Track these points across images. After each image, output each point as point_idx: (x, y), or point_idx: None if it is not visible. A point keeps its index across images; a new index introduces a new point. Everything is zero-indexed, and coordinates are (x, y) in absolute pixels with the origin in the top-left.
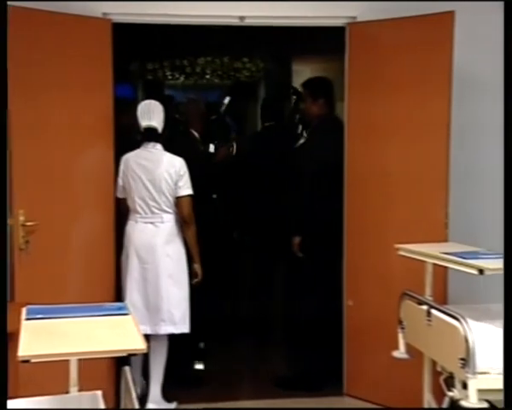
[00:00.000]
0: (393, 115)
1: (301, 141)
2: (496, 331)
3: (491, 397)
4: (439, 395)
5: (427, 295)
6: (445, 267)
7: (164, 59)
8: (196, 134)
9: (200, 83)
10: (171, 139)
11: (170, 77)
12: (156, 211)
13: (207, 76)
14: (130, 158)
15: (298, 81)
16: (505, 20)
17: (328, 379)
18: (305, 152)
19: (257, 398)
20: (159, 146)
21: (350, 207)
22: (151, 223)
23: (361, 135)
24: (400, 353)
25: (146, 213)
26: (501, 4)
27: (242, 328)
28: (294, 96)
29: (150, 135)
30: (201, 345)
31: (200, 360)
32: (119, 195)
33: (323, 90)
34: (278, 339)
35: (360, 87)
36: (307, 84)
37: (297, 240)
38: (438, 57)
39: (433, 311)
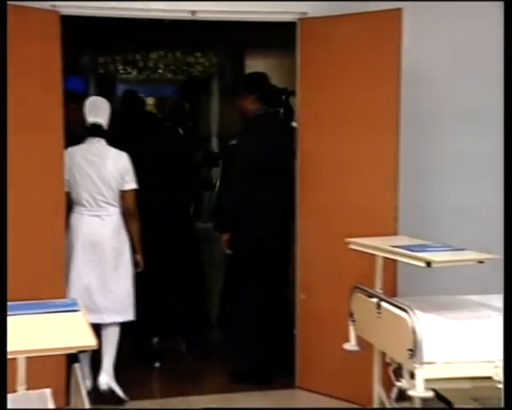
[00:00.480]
0: (345, 108)
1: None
2: (443, 322)
3: (437, 386)
4: (388, 385)
5: (378, 287)
6: (395, 260)
7: (116, 53)
8: (181, 131)
9: (153, 77)
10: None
11: (122, 71)
12: (103, 204)
13: (160, 71)
14: (76, 152)
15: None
16: (505, 20)
17: (280, 373)
18: (234, 148)
19: (208, 393)
20: (103, 142)
21: (303, 202)
22: (97, 216)
23: (313, 128)
24: (351, 345)
25: (92, 207)
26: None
27: (192, 322)
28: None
29: (96, 131)
30: (155, 341)
31: (151, 356)
32: (66, 188)
33: (255, 85)
34: (229, 333)
35: (311, 81)
36: (242, 80)
37: (225, 237)
38: (387, 52)
39: (383, 303)
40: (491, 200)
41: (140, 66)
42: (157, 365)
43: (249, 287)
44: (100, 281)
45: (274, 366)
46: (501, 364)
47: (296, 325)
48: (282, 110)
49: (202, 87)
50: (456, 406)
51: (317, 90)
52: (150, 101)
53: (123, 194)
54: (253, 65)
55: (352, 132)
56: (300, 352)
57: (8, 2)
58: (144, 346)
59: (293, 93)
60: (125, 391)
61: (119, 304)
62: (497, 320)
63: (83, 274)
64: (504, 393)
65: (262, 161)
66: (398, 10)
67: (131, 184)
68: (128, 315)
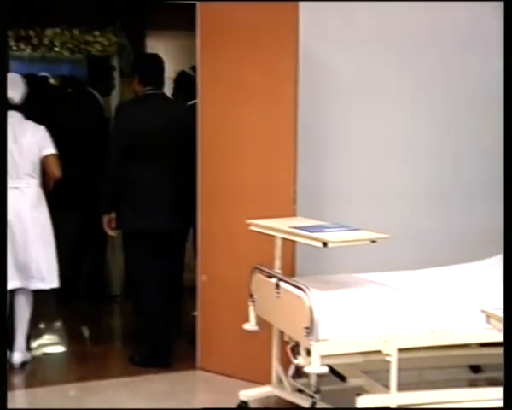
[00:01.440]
0: (244, 90)
1: None
2: (338, 300)
3: (331, 362)
4: (286, 363)
5: (277, 268)
6: (293, 241)
7: (7, 28)
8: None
9: (49, 55)
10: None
11: (15, 48)
12: (22, 176)
13: (56, 48)
14: None
15: None
16: (505, 20)
17: (181, 355)
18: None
19: (107, 377)
20: (19, 115)
21: (203, 182)
22: (16, 188)
23: (214, 110)
24: (251, 325)
25: (11, 179)
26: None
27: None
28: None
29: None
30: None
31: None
32: None
33: (142, 66)
34: (128, 317)
35: (212, 62)
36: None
37: (105, 219)
38: (284, 35)
39: (282, 283)
40: (389, 181)
41: (34, 43)
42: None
43: (140, 270)
44: (23, 251)
45: (173, 349)
46: (390, 337)
47: (197, 306)
48: (174, 90)
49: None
50: (349, 378)
51: (217, 70)
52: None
53: (45, 161)
54: (155, 46)
55: (252, 114)
56: (201, 333)
57: None
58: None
59: (187, 74)
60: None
61: (43, 272)
62: (388, 297)
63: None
64: (504, 393)
65: (144, 141)
66: (295, 4)
67: (50, 150)
68: (53, 283)
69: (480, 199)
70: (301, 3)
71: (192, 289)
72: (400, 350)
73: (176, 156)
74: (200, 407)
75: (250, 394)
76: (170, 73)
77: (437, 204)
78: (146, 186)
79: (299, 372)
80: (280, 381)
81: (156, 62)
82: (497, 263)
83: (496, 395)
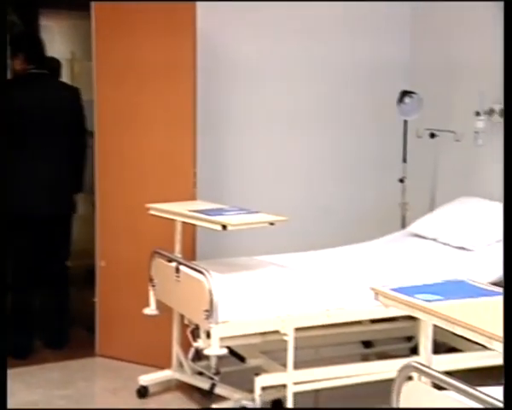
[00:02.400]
0: (142, 78)
1: None
2: (237, 283)
3: (231, 343)
4: (187, 347)
5: (177, 252)
6: (194, 225)
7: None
8: None
9: None
10: None
11: None
12: None
13: None
14: None
15: (46, 38)
16: (505, 20)
17: (80, 342)
18: None
19: None
20: None
21: (101, 167)
22: None
23: (111, 95)
24: (151, 310)
25: None
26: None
27: None
28: None
29: None
30: None
31: None
32: None
33: (20, 45)
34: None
35: (108, 42)
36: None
37: None
38: (182, 27)
39: (182, 267)
40: (290, 161)
41: None
42: None
43: (21, 258)
44: None
45: (66, 336)
46: (287, 318)
47: (96, 292)
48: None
49: None
50: (248, 359)
51: (113, 54)
52: None
53: None
54: (48, 26)
55: (150, 100)
56: (100, 319)
57: None
58: None
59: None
60: None
61: None
62: (285, 278)
63: None
64: (504, 393)
65: (24, 123)
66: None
67: None
68: None
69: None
70: None
71: (91, 275)
72: (297, 329)
73: (58, 139)
74: (98, 392)
75: (150, 378)
76: (65, 54)
77: (337, 183)
78: (27, 171)
79: (199, 355)
80: (180, 365)
81: (36, 40)
82: (391, 241)
83: (385, 367)
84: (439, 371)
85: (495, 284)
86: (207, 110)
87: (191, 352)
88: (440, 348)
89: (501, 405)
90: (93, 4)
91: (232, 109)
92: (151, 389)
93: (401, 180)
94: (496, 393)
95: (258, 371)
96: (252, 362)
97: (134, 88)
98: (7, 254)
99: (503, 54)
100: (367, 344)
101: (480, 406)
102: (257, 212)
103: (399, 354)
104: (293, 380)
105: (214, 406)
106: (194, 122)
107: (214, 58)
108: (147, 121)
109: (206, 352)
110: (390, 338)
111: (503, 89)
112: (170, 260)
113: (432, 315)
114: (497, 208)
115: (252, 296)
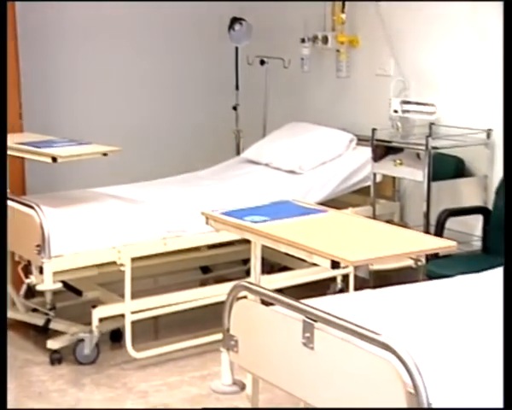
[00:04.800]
0: None
1: None
2: (70, 216)
3: (66, 277)
4: (19, 284)
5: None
6: (22, 158)
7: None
8: None
9: None
10: None
11: None
12: None
13: None
14: None
15: None
16: (505, 20)
17: None
18: None
19: None
20: None
21: None
22: None
23: None
24: None
25: None
26: None
27: None
28: None
29: None
30: None
31: None
32: None
33: None
34: None
35: None
36: None
37: None
38: None
39: (10, 203)
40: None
41: None
42: None
43: None
44: None
45: None
46: (123, 248)
47: None
48: None
49: None
50: (84, 292)
51: None
52: None
53: None
54: None
55: None
56: None
57: None
58: None
59: None
60: None
61: None
62: (120, 208)
63: None
64: (504, 393)
65: None
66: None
67: None
68: None
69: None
70: None
71: None
72: (134, 259)
73: None
74: None
75: None
76: None
77: (172, 112)
78: None
79: (32, 292)
80: (13, 303)
81: None
82: (226, 168)
83: (222, 290)
84: (265, 289)
85: (321, 203)
86: (31, 28)
87: (23, 289)
88: (275, 268)
89: (321, 313)
90: None
91: (59, 28)
92: None
93: (234, 107)
94: (316, 304)
95: (95, 303)
96: (89, 295)
97: None
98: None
99: (503, 53)
100: (205, 270)
101: (303, 316)
102: (88, 143)
103: (237, 276)
104: (131, 309)
105: (49, 341)
106: (16, 47)
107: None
108: None
109: (38, 288)
110: (228, 262)
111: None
112: None
113: (258, 235)
114: (323, 132)
115: (86, 229)
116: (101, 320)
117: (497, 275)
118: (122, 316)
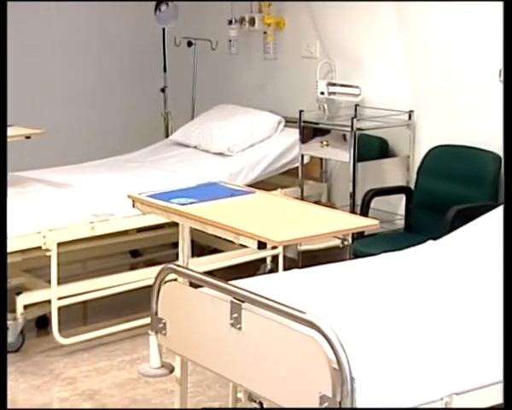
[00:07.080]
0: None
1: None
2: None
3: None
4: None
5: None
6: None
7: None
8: None
9: None
10: None
11: None
12: None
13: None
14: None
15: None
16: (505, 20)
17: None
18: None
19: None
20: None
21: None
22: None
23: None
24: None
25: None
26: None
27: None
28: None
29: None
30: None
31: None
32: None
33: None
34: None
35: None
36: None
37: None
38: None
39: None
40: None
41: None
42: None
43: None
44: None
45: None
46: (49, 233)
47: None
48: None
49: None
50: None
51: None
52: None
53: None
54: None
55: None
56: None
57: None
58: None
59: None
60: None
61: None
62: (45, 193)
63: None
64: (504, 393)
65: None
66: None
67: None
68: None
69: (143, 86)
70: None
71: None
72: (61, 244)
73: None
74: None
75: None
76: None
77: (99, 95)
78: None
79: None
80: None
81: None
82: (155, 150)
83: (152, 274)
84: (193, 271)
85: (250, 185)
86: None
87: None
88: (205, 251)
89: (248, 294)
90: None
91: None
92: None
93: (162, 90)
94: (245, 284)
95: (20, 290)
96: (14, 282)
97: None
98: None
99: (503, 53)
100: (135, 254)
101: (230, 297)
102: (11, 125)
103: (167, 260)
104: (58, 295)
105: None
106: None
107: None
108: None
109: None
110: (158, 246)
111: None
112: None
113: (185, 217)
114: (252, 114)
115: (9, 213)
116: (26, 307)
117: (418, 252)
118: (49, 302)
